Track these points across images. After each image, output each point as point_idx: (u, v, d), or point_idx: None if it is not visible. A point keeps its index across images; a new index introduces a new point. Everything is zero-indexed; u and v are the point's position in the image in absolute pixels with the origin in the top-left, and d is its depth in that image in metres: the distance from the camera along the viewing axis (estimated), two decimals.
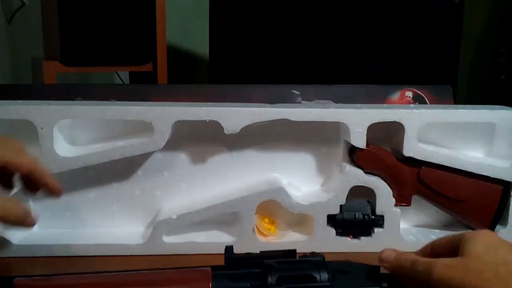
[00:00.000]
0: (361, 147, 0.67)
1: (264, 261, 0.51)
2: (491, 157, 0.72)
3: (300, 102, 0.86)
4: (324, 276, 0.49)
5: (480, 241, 0.46)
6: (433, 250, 0.51)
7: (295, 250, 0.50)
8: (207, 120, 0.65)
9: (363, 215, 0.68)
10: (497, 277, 0.42)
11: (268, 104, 0.70)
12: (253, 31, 1.51)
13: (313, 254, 0.52)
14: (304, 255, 0.52)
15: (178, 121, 0.65)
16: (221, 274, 0.49)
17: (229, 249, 0.52)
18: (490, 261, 0.44)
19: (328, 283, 0.48)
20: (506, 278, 0.42)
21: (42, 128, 0.63)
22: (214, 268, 0.49)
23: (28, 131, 0.64)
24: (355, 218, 0.68)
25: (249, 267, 0.50)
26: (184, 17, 2.05)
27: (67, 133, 0.68)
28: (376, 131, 0.68)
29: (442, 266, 0.45)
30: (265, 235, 0.68)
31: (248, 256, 0.52)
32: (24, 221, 0.50)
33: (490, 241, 0.46)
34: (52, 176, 0.54)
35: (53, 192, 0.55)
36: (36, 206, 0.68)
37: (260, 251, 0.51)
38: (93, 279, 0.48)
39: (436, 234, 0.70)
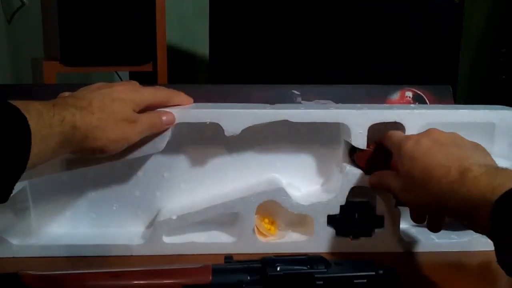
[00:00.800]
0: (362, 147, 0.67)
1: (263, 256, 0.53)
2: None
3: (300, 102, 0.86)
4: (321, 265, 0.51)
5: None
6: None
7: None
8: (208, 122, 0.65)
9: (363, 215, 0.68)
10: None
11: (269, 105, 0.70)
12: (253, 31, 1.51)
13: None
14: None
15: (178, 122, 0.65)
16: (222, 268, 0.51)
17: (228, 258, 0.54)
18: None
19: (325, 269, 0.51)
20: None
21: None
22: (215, 264, 0.51)
23: None
24: (355, 218, 0.68)
25: (249, 262, 0.52)
26: (184, 17, 2.05)
27: None
28: (376, 131, 0.68)
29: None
30: (265, 236, 0.68)
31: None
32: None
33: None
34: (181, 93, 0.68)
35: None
36: (36, 206, 0.68)
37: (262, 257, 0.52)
38: (96, 274, 0.50)
39: (437, 234, 0.70)
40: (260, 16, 1.51)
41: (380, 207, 0.68)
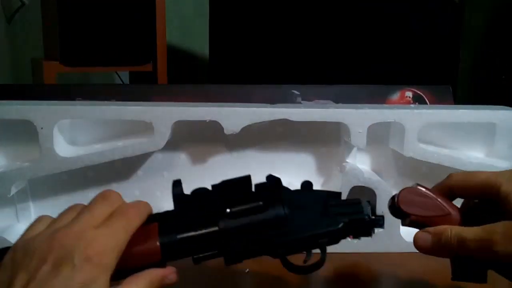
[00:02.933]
0: (362, 148, 0.67)
1: (217, 203, 0.48)
2: (491, 157, 0.72)
3: (300, 102, 0.86)
4: (280, 212, 0.48)
5: None
6: (452, 193, 0.50)
7: (249, 176, 0.50)
8: (207, 120, 0.65)
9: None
10: None
11: (268, 104, 0.70)
12: (253, 31, 1.51)
13: (270, 177, 0.51)
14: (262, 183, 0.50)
15: (178, 121, 0.65)
16: (169, 227, 0.45)
17: (177, 184, 0.48)
18: None
19: (285, 229, 0.48)
20: None
21: (42, 128, 0.63)
22: (162, 218, 0.47)
23: (28, 131, 0.64)
24: None
25: (200, 210, 0.47)
26: (184, 17, 2.05)
27: (67, 133, 0.68)
28: (376, 131, 0.68)
29: (504, 238, 0.43)
30: None
31: (199, 196, 0.49)
32: None
33: None
34: None
35: None
36: (36, 206, 0.68)
37: (212, 186, 0.49)
38: None
39: None
40: (260, 16, 1.51)
41: (380, 207, 0.68)
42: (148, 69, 1.59)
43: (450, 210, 0.49)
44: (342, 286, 0.62)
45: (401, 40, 1.48)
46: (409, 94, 0.90)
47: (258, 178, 0.72)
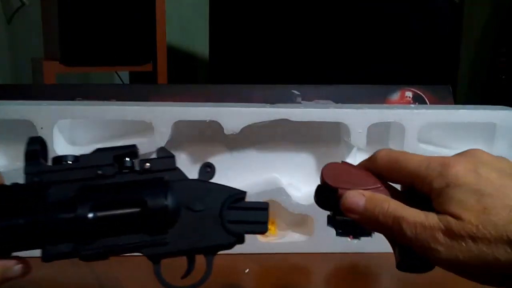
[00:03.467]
0: (361, 148, 0.67)
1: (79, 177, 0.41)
2: None
3: (300, 102, 0.86)
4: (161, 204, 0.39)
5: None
6: (380, 176, 0.42)
7: (135, 146, 0.43)
8: (207, 120, 0.65)
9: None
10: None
11: (268, 104, 0.70)
12: (253, 31, 1.51)
13: (161, 150, 0.44)
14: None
15: (178, 121, 0.65)
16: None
17: (34, 141, 0.41)
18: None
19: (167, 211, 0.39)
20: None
21: (42, 128, 0.63)
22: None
23: (28, 131, 0.63)
24: None
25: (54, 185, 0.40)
26: (184, 17, 2.05)
27: (67, 133, 0.68)
28: (376, 131, 0.68)
29: (448, 236, 0.37)
30: (265, 235, 0.68)
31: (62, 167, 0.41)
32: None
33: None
34: None
35: None
36: None
37: (81, 155, 0.42)
38: None
39: None
40: (260, 16, 1.51)
41: None
42: (148, 69, 1.59)
43: (380, 184, 0.42)
44: (342, 286, 0.62)
45: (401, 40, 1.48)
46: (409, 94, 0.90)
47: (258, 178, 0.73)
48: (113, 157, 0.42)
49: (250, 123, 0.65)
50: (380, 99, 0.88)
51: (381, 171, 0.42)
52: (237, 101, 0.72)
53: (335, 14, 1.48)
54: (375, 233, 0.68)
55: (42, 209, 0.39)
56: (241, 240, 0.43)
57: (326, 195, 0.44)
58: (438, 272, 0.58)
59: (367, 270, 0.65)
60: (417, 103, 0.89)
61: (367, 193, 0.41)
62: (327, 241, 0.67)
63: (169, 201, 0.40)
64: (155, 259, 0.41)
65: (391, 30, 1.48)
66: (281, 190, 0.67)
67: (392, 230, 0.39)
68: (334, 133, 0.71)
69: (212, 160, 0.72)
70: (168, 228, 0.40)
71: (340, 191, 0.42)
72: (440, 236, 0.37)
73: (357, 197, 0.41)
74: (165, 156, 0.43)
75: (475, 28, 2.10)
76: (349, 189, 0.42)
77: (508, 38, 1.99)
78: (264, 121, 0.66)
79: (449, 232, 0.36)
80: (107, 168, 0.41)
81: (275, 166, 0.72)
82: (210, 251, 0.42)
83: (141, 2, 1.54)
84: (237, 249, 0.66)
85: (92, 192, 0.40)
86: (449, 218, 0.37)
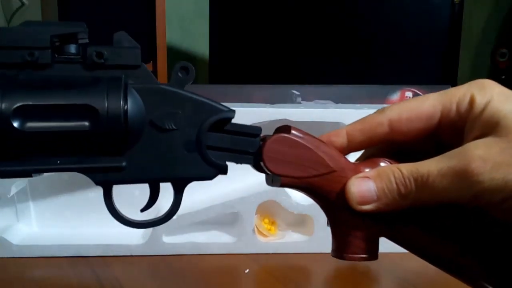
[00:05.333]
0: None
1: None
2: None
3: (300, 102, 0.86)
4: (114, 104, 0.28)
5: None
6: (389, 137, 0.35)
7: (83, 25, 0.33)
8: None
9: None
10: None
11: (268, 104, 0.70)
12: (253, 31, 1.51)
13: (122, 35, 0.34)
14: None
15: None
16: None
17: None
18: None
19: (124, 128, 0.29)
20: None
21: None
22: None
23: None
24: None
25: None
26: (184, 17, 2.05)
27: None
28: None
29: (486, 162, 0.29)
30: (265, 236, 0.68)
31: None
32: None
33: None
34: None
35: None
36: (36, 206, 0.68)
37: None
38: None
39: None
40: (260, 16, 1.51)
41: None
42: (148, 69, 1.59)
43: (343, 164, 0.35)
44: (342, 286, 0.62)
45: (401, 40, 1.48)
46: (409, 94, 0.90)
47: (258, 178, 0.73)
48: (50, 37, 0.30)
49: (250, 123, 0.65)
50: (380, 99, 0.88)
51: (393, 125, 0.35)
52: (237, 101, 0.72)
53: (335, 14, 1.48)
54: None
55: None
56: (222, 171, 0.34)
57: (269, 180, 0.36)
58: (438, 272, 0.58)
59: (367, 270, 0.65)
60: None
61: (370, 173, 0.34)
62: (327, 241, 0.67)
63: (128, 111, 0.30)
64: (106, 186, 0.33)
65: (391, 30, 1.48)
66: (281, 190, 0.67)
67: (420, 195, 0.31)
68: None
69: None
70: (126, 149, 0.31)
71: (283, 179, 0.34)
72: (478, 164, 0.29)
73: (364, 185, 0.33)
74: (127, 46, 0.32)
75: (475, 28, 2.10)
76: (293, 176, 0.34)
77: (508, 38, 1.99)
78: (264, 121, 0.66)
79: (488, 154, 0.29)
80: (42, 52, 0.29)
81: None
82: (180, 181, 0.33)
83: (141, 2, 1.54)
84: (237, 249, 0.66)
85: (18, 87, 0.28)
86: (488, 139, 0.30)
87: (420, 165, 0.31)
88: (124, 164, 0.31)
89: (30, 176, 0.30)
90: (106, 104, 0.29)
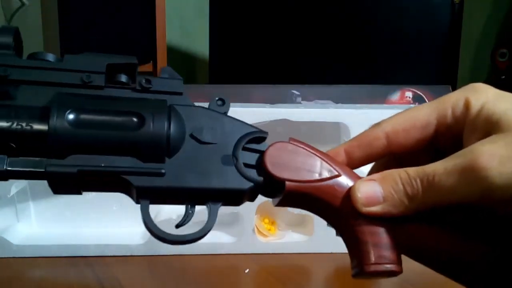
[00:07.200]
0: None
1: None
2: None
3: (300, 102, 0.86)
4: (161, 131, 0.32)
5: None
6: (386, 150, 0.35)
7: (135, 59, 0.35)
8: None
9: None
10: None
11: (268, 104, 0.70)
12: (253, 31, 1.51)
13: (167, 70, 0.35)
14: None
15: None
16: None
17: (7, 31, 0.32)
18: None
19: (167, 138, 0.32)
20: None
21: None
22: None
23: None
24: None
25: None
26: (184, 17, 2.05)
27: None
28: None
29: (494, 158, 0.29)
30: (265, 236, 0.68)
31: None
32: None
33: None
34: None
35: None
36: (36, 206, 0.68)
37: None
38: None
39: None
40: (260, 16, 1.51)
41: None
42: (148, 69, 1.59)
43: (347, 170, 0.34)
44: (342, 286, 0.62)
45: (401, 40, 1.48)
46: (409, 94, 0.90)
47: None
48: (106, 65, 0.33)
49: (250, 123, 0.65)
50: (380, 99, 0.88)
51: (390, 138, 0.35)
52: (237, 101, 0.72)
53: (335, 14, 1.48)
54: None
55: (5, 112, 0.31)
56: (257, 188, 0.34)
57: (271, 189, 0.35)
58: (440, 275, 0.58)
59: None
60: (417, 103, 0.89)
61: (375, 175, 0.33)
62: (327, 241, 0.67)
63: (172, 125, 0.32)
64: (145, 194, 0.33)
65: (391, 30, 1.48)
66: None
67: (428, 195, 0.31)
68: (334, 133, 0.71)
69: None
70: (167, 157, 0.32)
71: (288, 185, 0.33)
72: (485, 160, 0.29)
73: (370, 188, 0.32)
74: (171, 77, 0.34)
75: (475, 28, 2.10)
76: (298, 180, 0.33)
77: (508, 38, 1.99)
78: (264, 121, 0.66)
79: (494, 149, 0.29)
80: (97, 76, 0.33)
81: None
82: (217, 195, 0.33)
83: (141, 2, 1.54)
84: (237, 249, 0.66)
85: (72, 98, 0.32)
86: (492, 137, 0.30)
87: (426, 166, 0.31)
88: (164, 170, 0.32)
89: (81, 184, 0.32)
90: (153, 116, 0.32)
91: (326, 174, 0.34)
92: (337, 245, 0.68)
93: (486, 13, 2.14)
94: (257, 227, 0.67)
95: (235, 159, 0.33)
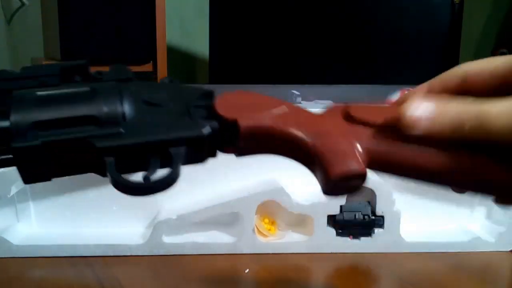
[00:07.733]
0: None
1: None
2: None
3: (300, 102, 0.86)
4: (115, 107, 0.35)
5: None
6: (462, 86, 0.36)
7: (87, 61, 0.39)
8: None
9: (363, 215, 0.68)
10: None
11: None
12: (253, 31, 1.51)
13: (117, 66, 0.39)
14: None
15: None
16: None
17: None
18: None
19: (118, 130, 0.34)
20: None
21: None
22: None
23: None
24: (355, 218, 0.68)
25: None
26: (184, 17, 2.05)
27: None
28: None
29: None
30: (265, 236, 0.68)
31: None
32: None
33: None
34: None
35: None
36: (36, 206, 0.68)
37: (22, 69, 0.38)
38: None
39: (437, 234, 0.70)
40: (260, 16, 1.51)
41: (380, 207, 0.68)
42: (148, 69, 1.59)
43: (288, 104, 0.36)
44: (342, 286, 0.62)
45: (401, 40, 1.48)
46: None
47: (258, 178, 0.73)
48: (60, 69, 0.37)
49: None
50: (380, 99, 0.88)
51: (468, 78, 0.36)
52: None
53: (335, 14, 1.48)
54: (375, 233, 0.68)
55: None
56: (215, 136, 0.36)
57: (229, 134, 0.36)
58: (438, 272, 0.58)
59: (367, 270, 0.65)
60: None
61: (432, 97, 0.33)
62: (327, 241, 0.67)
63: (123, 92, 0.35)
64: (108, 152, 0.34)
65: (391, 30, 1.48)
66: (281, 190, 0.67)
67: (475, 130, 0.30)
68: None
69: (212, 160, 0.72)
70: (123, 120, 0.35)
71: (241, 123, 0.34)
72: None
73: (424, 105, 0.32)
74: (120, 69, 0.38)
75: (475, 28, 2.10)
76: (248, 117, 0.34)
77: (508, 38, 1.99)
78: None
79: None
80: (52, 78, 0.37)
81: (275, 166, 0.72)
82: (177, 143, 0.35)
83: (141, 2, 1.54)
84: (237, 249, 0.66)
85: (31, 90, 0.35)
86: None
87: (486, 102, 0.30)
88: (122, 130, 0.34)
89: (47, 159, 0.36)
90: (103, 86, 0.36)
91: (276, 106, 0.35)
92: (337, 245, 0.68)
93: (486, 13, 2.14)
94: (257, 227, 0.67)
95: (188, 113, 0.35)
